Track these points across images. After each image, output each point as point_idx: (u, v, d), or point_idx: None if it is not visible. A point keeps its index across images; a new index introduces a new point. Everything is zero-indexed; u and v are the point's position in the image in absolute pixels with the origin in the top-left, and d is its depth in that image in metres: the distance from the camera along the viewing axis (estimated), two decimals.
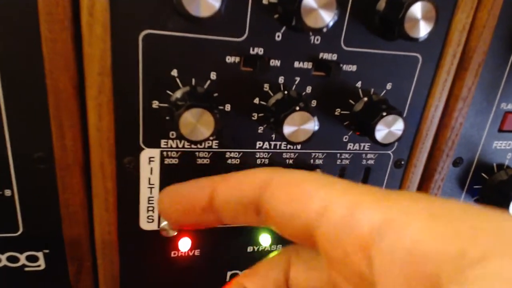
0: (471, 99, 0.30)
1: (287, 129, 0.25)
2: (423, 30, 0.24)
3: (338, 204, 0.16)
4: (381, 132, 0.27)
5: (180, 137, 0.24)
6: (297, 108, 0.25)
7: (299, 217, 0.17)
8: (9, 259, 0.29)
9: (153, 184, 0.28)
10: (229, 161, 0.29)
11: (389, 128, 0.27)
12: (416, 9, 0.23)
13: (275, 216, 0.18)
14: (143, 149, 0.27)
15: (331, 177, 0.18)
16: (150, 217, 0.29)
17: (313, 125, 0.26)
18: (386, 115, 0.26)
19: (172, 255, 0.32)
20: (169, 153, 0.28)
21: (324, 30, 0.23)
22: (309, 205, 0.17)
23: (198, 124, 0.24)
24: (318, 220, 0.16)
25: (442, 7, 0.27)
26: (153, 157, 0.27)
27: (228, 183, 0.20)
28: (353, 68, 0.28)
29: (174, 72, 0.25)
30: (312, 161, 0.31)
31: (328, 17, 0.23)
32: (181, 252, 0.32)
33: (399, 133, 0.27)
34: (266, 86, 0.27)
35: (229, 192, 0.20)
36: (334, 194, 0.16)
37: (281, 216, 0.18)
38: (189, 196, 0.21)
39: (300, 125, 0.25)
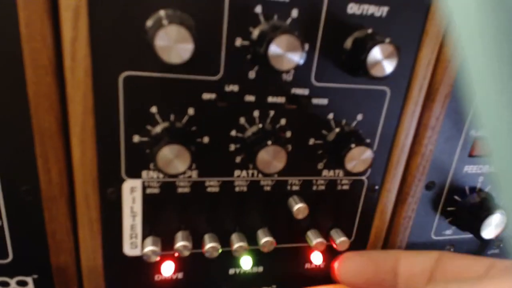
0: (439, 127, 0.32)
1: (261, 162, 0.27)
2: (387, 69, 0.26)
3: None
4: (351, 163, 0.29)
5: (158, 170, 0.26)
6: (269, 142, 0.26)
7: None
8: (0, 283, 0.30)
9: (135, 213, 0.30)
10: (208, 189, 0.30)
11: (358, 159, 0.29)
12: (376, 52, 0.25)
13: None
14: (125, 180, 0.28)
15: None
16: (133, 243, 0.31)
17: (284, 157, 0.27)
18: (354, 147, 0.28)
19: (156, 278, 0.33)
20: (150, 183, 0.29)
21: (292, 71, 0.25)
22: None
23: (175, 159, 0.25)
24: None
25: (407, 43, 0.29)
26: (135, 187, 0.29)
27: None
28: (325, 101, 0.29)
29: (154, 109, 0.27)
30: (289, 187, 0.32)
31: (295, 59, 0.24)
32: (165, 276, 0.33)
33: (368, 162, 0.29)
34: (242, 120, 0.29)
35: None
36: None
37: None
38: None
39: (272, 158, 0.27)
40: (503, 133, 0.10)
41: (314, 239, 0.33)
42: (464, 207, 0.36)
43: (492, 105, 0.10)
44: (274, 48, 0.23)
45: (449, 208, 0.36)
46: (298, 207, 0.31)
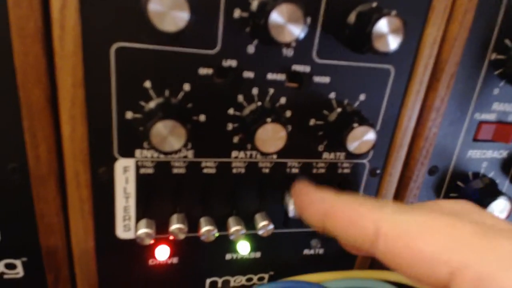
0: (444, 109, 0.31)
1: (259, 140, 0.26)
2: (392, 44, 0.25)
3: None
4: (353, 143, 0.27)
5: (152, 147, 0.24)
6: (268, 120, 0.25)
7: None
8: None
9: (129, 193, 0.28)
10: (204, 170, 0.29)
11: (361, 139, 0.27)
12: (382, 25, 0.24)
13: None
14: (117, 159, 0.27)
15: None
16: (126, 226, 0.30)
17: (284, 136, 0.26)
18: (357, 127, 0.27)
19: (150, 263, 0.32)
20: (144, 162, 0.28)
21: (293, 44, 0.24)
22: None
23: (169, 135, 0.24)
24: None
25: (413, 20, 0.28)
26: (128, 167, 0.28)
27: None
28: (326, 79, 0.28)
29: (147, 84, 0.25)
30: (288, 170, 0.31)
31: (296, 31, 0.23)
32: (159, 260, 0.32)
33: (371, 143, 0.28)
34: (240, 97, 0.27)
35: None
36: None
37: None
38: None
39: (272, 137, 0.26)
40: None
41: None
42: (467, 193, 0.35)
43: None
44: (275, 17, 0.22)
45: (451, 194, 0.35)
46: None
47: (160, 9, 0.20)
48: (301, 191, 0.28)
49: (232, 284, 0.36)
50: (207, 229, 0.30)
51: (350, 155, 0.31)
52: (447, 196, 0.35)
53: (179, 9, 0.21)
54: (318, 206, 0.25)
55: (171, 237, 0.31)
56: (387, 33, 0.24)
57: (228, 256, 0.34)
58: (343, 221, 0.23)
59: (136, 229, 0.29)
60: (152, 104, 0.26)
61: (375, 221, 0.21)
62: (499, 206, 0.34)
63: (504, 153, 0.35)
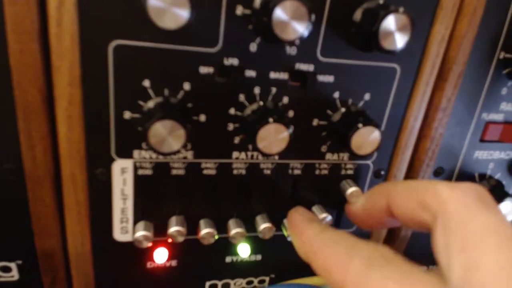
0: (450, 109, 0.30)
1: (261, 141, 0.25)
2: (399, 42, 0.24)
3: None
4: (357, 144, 0.27)
5: (150, 148, 0.24)
6: (271, 120, 0.25)
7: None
8: None
9: (126, 195, 0.28)
10: (204, 171, 0.29)
11: (366, 140, 0.27)
12: (390, 22, 0.23)
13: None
14: (115, 160, 0.26)
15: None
16: (124, 228, 0.29)
17: (287, 137, 0.25)
18: (362, 127, 0.26)
19: (148, 266, 0.31)
20: (142, 164, 0.27)
21: (297, 42, 0.23)
22: None
23: (168, 136, 0.23)
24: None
25: (421, 18, 0.27)
26: (126, 168, 0.27)
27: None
28: (331, 78, 0.27)
29: (146, 83, 0.25)
30: (290, 171, 0.30)
31: (300, 29, 0.22)
32: (158, 263, 0.31)
33: (376, 144, 0.27)
34: (242, 97, 0.27)
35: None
36: None
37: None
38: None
39: (274, 137, 0.25)
40: None
41: (319, 214, 0.31)
42: None
43: None
44: (279, 13, 0.21)
45: None
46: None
47: (160, 5, 0.20)
48: (291, 222, 0.27)
49: (232, 287, 0.35)
50: (206, 232, 0.29)
51: (354, 156, 0.30)
52: None
53: (180, 6, 0.20)
54: (303, 243, 0.24)
55: (170, 240, 0.30)
56: (394, 31, 0.23)
57: (228, 259, 0.33)
58: (318, 266, 0.22)
59: (134, 232, 0.28)
60: (151, 104, 0.25)
61: (341, 278, 0.19)
62: (506, 208, 0.33)
63: (511, 154, 0.35)
